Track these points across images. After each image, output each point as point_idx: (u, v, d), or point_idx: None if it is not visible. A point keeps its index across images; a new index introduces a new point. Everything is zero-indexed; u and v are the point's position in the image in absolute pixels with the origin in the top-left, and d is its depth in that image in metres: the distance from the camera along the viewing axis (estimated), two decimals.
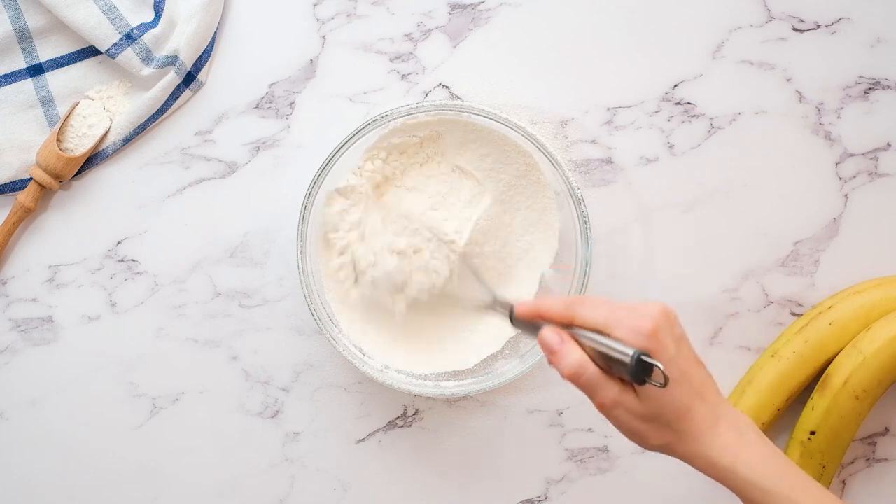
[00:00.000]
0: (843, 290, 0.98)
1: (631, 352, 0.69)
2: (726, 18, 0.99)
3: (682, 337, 0.73)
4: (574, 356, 0.72)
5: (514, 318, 0.78)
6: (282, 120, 1.00)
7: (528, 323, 0.77)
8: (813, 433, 0.94)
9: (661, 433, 0.72)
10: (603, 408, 0.72)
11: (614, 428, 1.00)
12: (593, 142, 1.00)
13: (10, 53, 0.99)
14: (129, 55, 0.97)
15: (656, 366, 0.69)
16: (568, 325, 0.74)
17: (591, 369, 0.72)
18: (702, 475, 1.00)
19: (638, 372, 0.69)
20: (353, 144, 0.94)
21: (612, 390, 0.72)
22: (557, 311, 0.75)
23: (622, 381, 0.72)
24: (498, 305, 0.82)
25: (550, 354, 0.73)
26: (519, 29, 1.00)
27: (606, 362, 0.71)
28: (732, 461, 0.72)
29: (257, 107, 1.00)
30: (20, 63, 0.99)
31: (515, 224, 0.98)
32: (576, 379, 0.72)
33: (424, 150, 0.97)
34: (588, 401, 1.00)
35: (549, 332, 0.74)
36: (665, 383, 0.69)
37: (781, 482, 0.71)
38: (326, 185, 0.95)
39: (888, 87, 0.99)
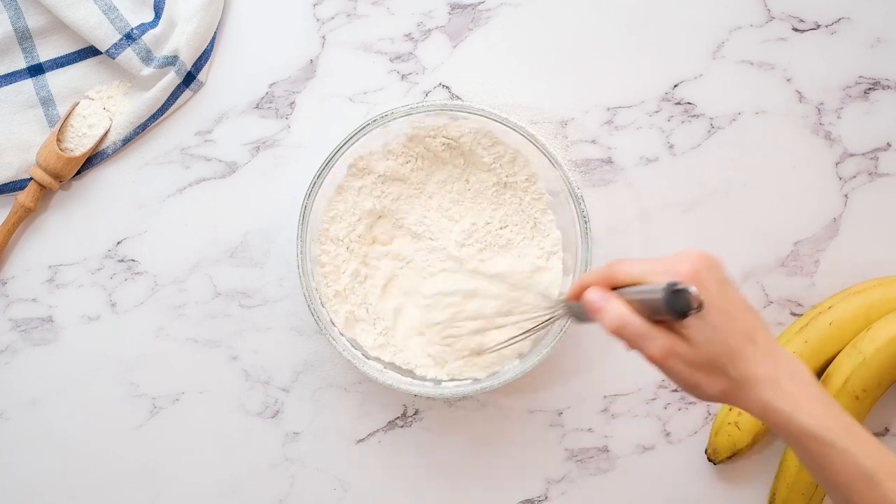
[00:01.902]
0: (843, 290, 0.98)
1: (663, 285, 0.67)
2: (726, 18, 0.99)
3: (726, 281, 0.71)
4: (616, 310, 0.71)
5: (570, 308, 0.77)
6: (282, 120, 1.00)
7: (582, 307, 0.75)
8: None
9: (716, 380, 0.71)
10: (654, 359, 0.70)
11: (616, 430, 1.00)
12: (593, 142, 1.00)
13: (10, 53, 0.99)
14: (129, 55, 0.97)
15: (688, 290, 0.67)
16: (612, 287, 0.73)
17: (635, 320, 0.70)
18: (701, 475, 1.01)
19: (674, 303, 0.67)
20: (353, 144, 0.94)
21: (660, 339, 0.70)
22: (598, 275, 0.74)
23: (669, 329, 0.70)
24: (556, 308, 0.82)
25: (595, 313, 0.72)
26: (519, 29, 1.00)
27: (650, 312, 0.69)
28: (791, 409, 0.70)
29: (257, 107, 1.00)
30: (20, 63, 0.99)
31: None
32: (620, 331, 0.71)
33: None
34: (588, 400, 1.00)
35: (591, 292, 0.73)
36: (700, 307, 0.67)
37: (840, 432, 0.69)
38: (326, 185, 0.95)
39: (888, 87, 0.99)
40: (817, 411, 0.70)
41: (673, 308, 0.67)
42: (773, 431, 0.72)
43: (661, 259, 0.71)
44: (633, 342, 0.71)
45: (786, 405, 0.70)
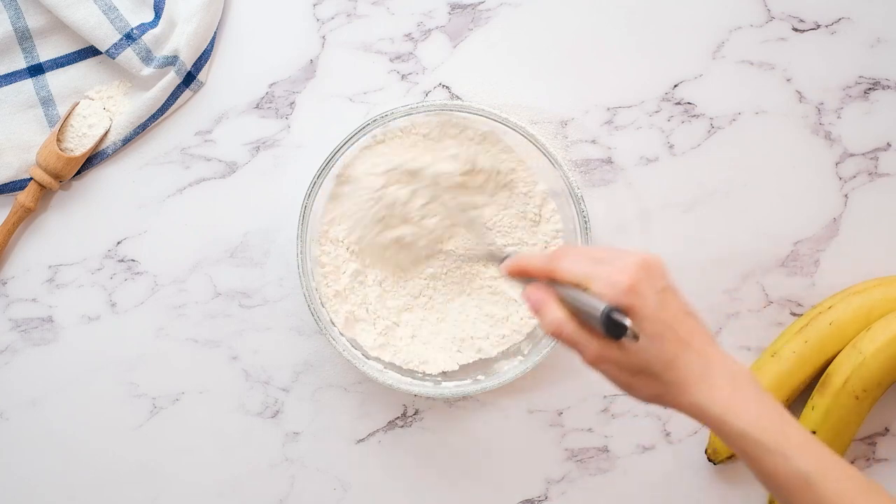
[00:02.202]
0: (843, 290, 0.98)
1: (601, 308, 0.69)
2: (726, 18, 0.99)
3: (665, 288, 0.71)
4: (553, 314, 0.72)
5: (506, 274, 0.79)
6: (282, 120, 1.00)
7: (522, 280, 0.77)
8: (813, 433, 0.94)
9: (649, 385, 0.72)
10: (587, 362, 0.72)
11: (616, 430, 1.01)
12: (593, 142, 1.00)
13: (10, 53, 0.99)
14: (129, 55, 0.97)
15: (624, 322, 0.68)
16: (552, 280, 0.74)
17: (570, 326, 0.72)
18: (701, 475, 1.01)
19: (611, 327, 0.69)
20: (353, 144, 0.94)
21: (593, 345, 0.71)
22: (540, 266, 0.75)
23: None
24: (493, 257, 0.83)
25: (534, 312, 0.74)
26: (519, 29, 1.00)
27: (585, 319, 0.71)
28: (724, 410, 0.70)
29: (257, 107, 1.00)
30: (20, 63, 0.99)
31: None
32: (557, 336, 0.72)
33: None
34: (588, 400, 1.00)
35: (531, 290, 0.74)
36: (637, 338, 0.69)
37: (774, 433, 0.70)
38: (326, 185, 0.95)
39: (888, 87, 0.99)
40: (752, 413, 0.70)
41: (608, 332, 0.69)
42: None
43: (605, 258, 0.72)
44: (569, 346, 0.73)
45: (718, 407, 0.70)
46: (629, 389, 0.73)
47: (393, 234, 0.96)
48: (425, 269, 0.98)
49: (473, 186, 0.97)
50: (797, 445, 0.70)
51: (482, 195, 0.97)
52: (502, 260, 0.80)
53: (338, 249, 0.97)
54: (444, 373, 0.97)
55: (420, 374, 0.97)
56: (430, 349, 0.97)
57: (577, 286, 0.72)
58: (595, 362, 0.72)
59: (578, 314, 0.71)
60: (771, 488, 0.71)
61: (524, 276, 0.76)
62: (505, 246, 0.97)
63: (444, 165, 0.95)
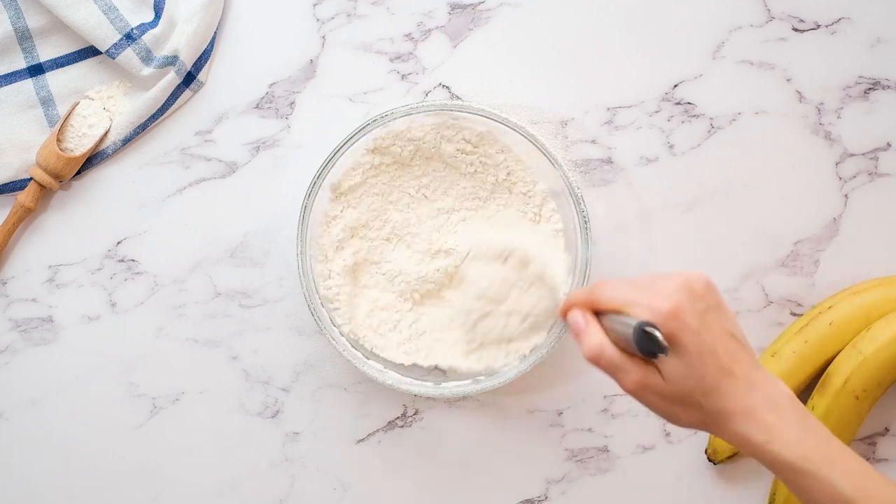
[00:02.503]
0: (843, 290, 0.98)
1: (634, 322, 0.68)
2: (726, 18, 0.99)
3: (709, 309, 0.70)
4: (595, 339, 0.71)
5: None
6: (282, 120, 1.00)
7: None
8: None
9: (690, 413, 0.71)
10: (627, 390, 0.71)
11: (616, 430, 1.00)
12: (593, 142, 1.00)
13: (10, 53, 0.99)
14: (129, 55, 0.97)
15: (655, 334, 0.67)
16: (594, 310, 0.73)
17: (610, 351, 0.71)
18: (701, 475, 1.01)
19: (643, 344, 0.67)
20: (353, 144, 0.94)
21: (634, 373, 0.70)
22: (582, 296, 0.75)
23: (646, 362, 0.71)
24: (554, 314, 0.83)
25: (576, 337, 0.73)
26: (519, 29, 1.00)
27: (625, 344, 0.70)
28: (767, 440, 0.69)
29: (257, 107, 1.00)
30: (20, 63, 0.99)
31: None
32: (596, 361, 0.71)
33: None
34: (588, 400, 1.00)
35: (573, 314, 0.74)
36: (666, 352, 0.68)
37: (817, 459, 0.68)
38: (326, 185, 0.95)
39: (888, 87, 0.99)
40: (794, 439, 0.69)
41: (641, 348, 0.68)
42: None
43: (646, 285, 0.71)
44: (608, 372, 0.72)
45: (762, 436, 0.69)
46: (670, 418, 0.72)
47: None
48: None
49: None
50: (840, 469, 0.69)
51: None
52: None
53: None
54: (443, 372, 0.97)
55: (422, 372, 0.96)
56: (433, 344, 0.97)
57: (619, 313, 0.71)
58: (636, 390, 0.71)
59: (619, 341, 0.71)
60: None
61: (571, 309, 0.76)
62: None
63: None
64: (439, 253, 0.98)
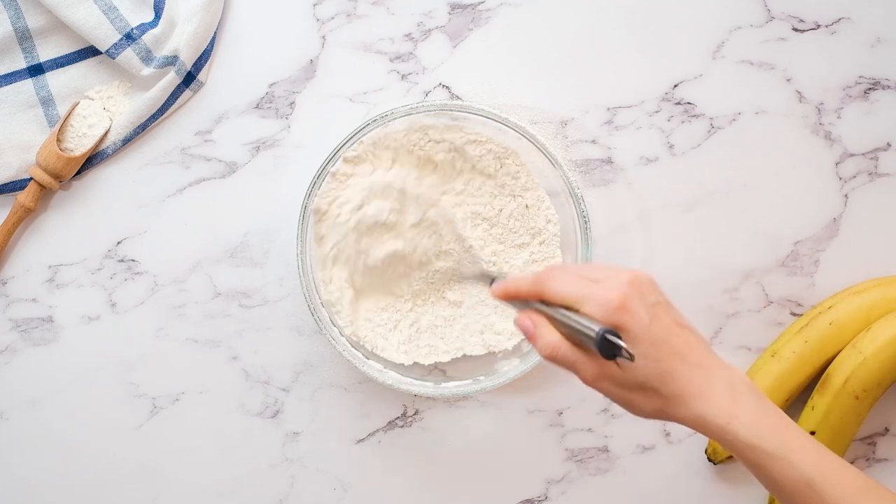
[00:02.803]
0: (843, 290, 0.98)
1: (596, 329, 0.68)
2: (726, 18, 0.99)
3: (657, 303, 0.72)
4: (547, 338, 0.72)
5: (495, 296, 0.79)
6: (282, 120, 1.00)
7: (511, 303, 0.77)
8: (813, 433, 0.94)
9: (649, 400, 0.72)
10: (586, 382, 0.72)
11: (616, 430, 1.00)
12: (593, 142, 1.00)
13: (10, 53, 0.99)
14: (129, 55, 0.97)
15: (619, 344, 0.68)
16: (541, 302, 0.74)
17: (565, 349, 0.72)
18: (701, 475, 1.01)
19: (606, 348, 0.68)
20: (352, 144, 0.94)
21: (590, 365, 0.71)
22: (528, 288, 0.75)
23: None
24: (483, 278, 0.83)
25: (527, 337, 0.74)
26: (519, 29, 1.00)
27: (579, 339, 0.71)
28: (726, 422, 0.70)
29: (257, 107, 1.00)
30: (20, 63, 0.99)
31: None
32: (553, 360, 0.72)
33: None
34: (588, 400, 1.00)
35: (521, 317, 0.75)
36: (632, 358, 0.69)
37: (775, 439, 0.70)
38: (326, 185, 0.95)
39: (888, 87, 0.99)
40: (752, 421, 0.70)
41: (603, 353, 0.69)
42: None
43: (594, 277, 0.72)
44: (565, 368, 0.73)
45: (719, 418, 0.70)
46: (629, 406, 0.73)
47: (384, 249, 0.96)
48: (413, 285, 0.98)
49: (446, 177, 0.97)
50: (798, 450, 0.70)
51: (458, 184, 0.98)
52: (491, 282, 0.80)
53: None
54: (443, 372, 0.97)
55: (421, 372, 0.96)
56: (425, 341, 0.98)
57: (568, 308, 0.72)
58: (593, 382, 0.72)
59: (572, 335, 0.71)
60: (776, 494, 0.72)
61: (513, 299, 0.77)
62: (492, 265, 0.97)
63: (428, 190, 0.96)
64: (440, 253, 0.98)
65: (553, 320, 0.73)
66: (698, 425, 0.72)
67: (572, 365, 0.72)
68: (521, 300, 0.76)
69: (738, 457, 0.72)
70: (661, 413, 0.72)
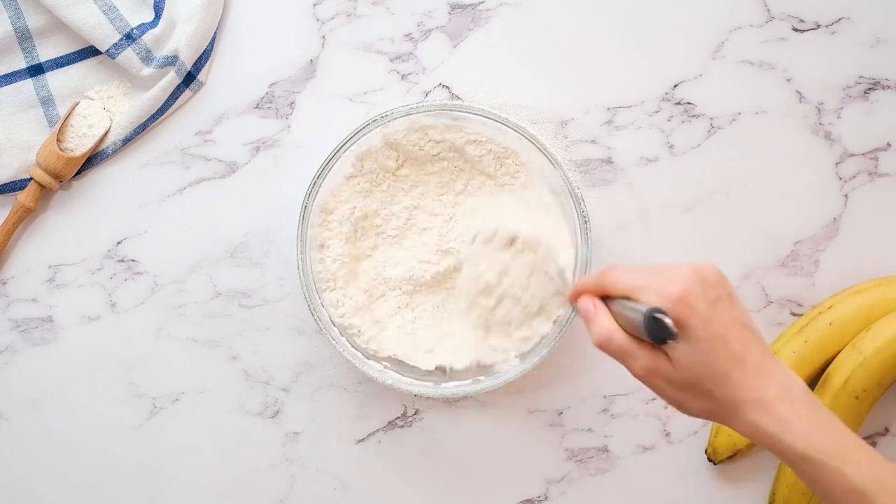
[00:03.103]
0: (843, 290, 0.98)
1: (644, 309, 0.67)
2: (726, 18, 0.99)
3: (719, 298, 0.69)
4: (604, 325, 0.71)
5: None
6: (282, 120, 1.00)
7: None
8: None
9: (700, 401, 0.70)
10: (636, 376, 0.71)
11: (616, 430, 1.00)
12: (593, 142, 1.00)
13: (10, 53, 0.99)
14: (129, 55, 0.97)
15: (664, 320, 0.66)
16: (603, 296, 0.73)
17: (619, 337, 0.70)
18: (701, 475, 1.01)
19: (654, 330, 0.67)
20: (353, 144, 0.94)
21: (643, 358, 0.70)
22: (591, 281, 0.74)
23: (655, 348, 0.70)
24: (559, 293, 0.83)
25: (586, 323, 0.73)
26: (519, 29, 1.00)
27: (634, 330, 0.69)
28: (781, 430, 0.68)
29: (257, 107, 1.00)
30: (20, 63, 0.99)
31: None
32: (605, 346, 0.71)
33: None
34: (588, 400, 1.00)
35: (583, 301, 0.73)
36: (675, 337, 0.67)
37: (829, 449, 0.68)
38: (326, 185, 0.95)
39: (888, 87, 0.99)
40: (807, 430, 0.69)
41: (651, 334, 0.67)
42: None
43: (656, 271, 0.70)
44: (617, 358, 0.71)
45: (774, 427, 0.69)
46: (679, 405, 0.71)
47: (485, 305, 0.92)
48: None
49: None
50: (852, 460, 0.68)
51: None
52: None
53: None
54: (443, 372, 0.97)
55: (423, 372, 0.96)
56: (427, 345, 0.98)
57: (628, 298, 0.70)
58: (645, 376, 0.70)
59: (627, 327, 0.70)
60: (828, 503, 0.70)
61: (579, 295, 0.75)
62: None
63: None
64: (442, 253, 0.98)
65: (613, 312, 0.72)
66: (751, 433, 0.70)
67: (624, 355, 0.70)
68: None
69: (791, 467, 0.70)
70: (711, 415, 0.71)
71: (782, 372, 0.70)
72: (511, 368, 0.95)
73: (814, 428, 0.69)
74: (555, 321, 0.91)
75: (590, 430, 1.01)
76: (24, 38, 0.99)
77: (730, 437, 0.97)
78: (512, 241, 0.86)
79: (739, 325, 0.70)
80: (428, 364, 0.96)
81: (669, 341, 0.68)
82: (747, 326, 0.70)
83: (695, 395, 0.70)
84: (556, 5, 1.00)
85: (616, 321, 0.72)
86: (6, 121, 1.00)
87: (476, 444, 1.01)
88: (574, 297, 0.76)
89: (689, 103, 1.00)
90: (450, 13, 1.00)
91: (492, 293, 0.88)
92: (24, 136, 1.00)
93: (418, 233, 0.98)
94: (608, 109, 1.00)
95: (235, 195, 1.00)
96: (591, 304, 0.73)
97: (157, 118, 0.99)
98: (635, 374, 0.71)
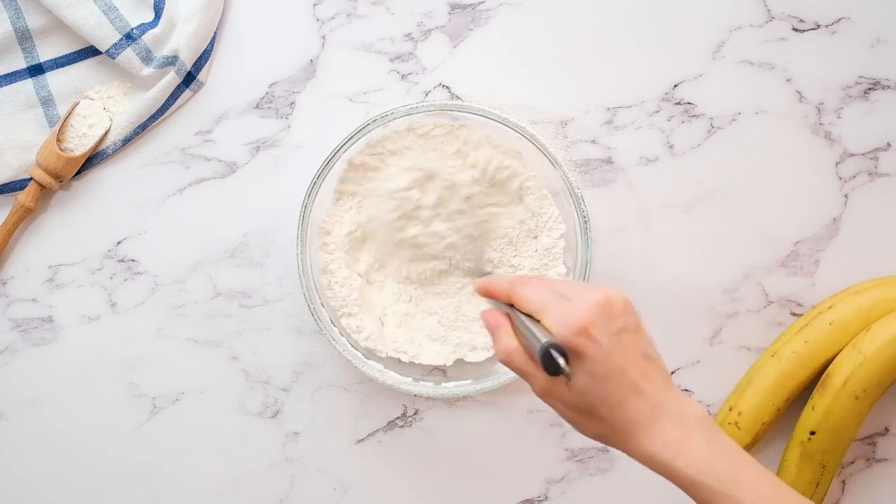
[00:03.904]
0: (843, 290, 0.98)
1: (542, 341, 0.68)
2: (726, 18, 0.99)
3: (623, 329, 0.70)
4: (505, 342, 0.72)
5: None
6: (282, 120, 1.00)
7: (489, 300, 0.78)
8: (813, 433, 0.94)
9: (594, 425, 0.71)
10: (536, 394, 0.72)
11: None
12: (593, 142, 1.00)
13: (10, 53, 0.99)
14: (129, 55, 0.97)
15: (557, 359, 0.67)
16: (511, 305, 0.74)
17: (518, 358, 0.71)
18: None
19: (547, 364, 0.67)
20: (353, 144, 0.94)
21: (540, 379, 0.71)
22: (501, 287, 0.75)
23: None
24: (477, 273, 0.83)
25: (489, 334, 0.74)
26: (519, 29, 1.00)
27: (534, 353, 0.70)
28: (672, 457, 0.69)
29: (257, 107, 1.00)
30: (20, 63, 0.99)
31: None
32: (505, 363, 0.72)
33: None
34: None
35: (488, 314, 0.75)
36: (568, 376, 0.68)
37: (725, 479, 0.68)
38: (326, 185, 0.95)
39: (888, 87, 0.99)
40: (700, 457, 0.69)
41: (544, 366, 0.68)
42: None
43: (566, 294, 0.70)
44: (517, 373, 0.72)
45: (665, 454, 0.69)
46: (576, 426, 0.72)
47: (408, 233, 0.96)
48: (427, 271, 0.98)
49: (489, 194, 0.97)
50: (749, 487, 0.68)
51: (497, 204, 0.97)
52: (480, 276, 0.80)
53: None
54: (443, 372, 0.97)
55: (421, 372, 0.97)
56: (419, 342, 0.98)
57: (531, 317, 0.71)
58: (542, 395, 0.72)
59: (529, 348, 0.71)
60: None
61: (489, 296, 0.77)
62: (489, 262, 0.97)
63: (461, 175, 0.95)
64: (442, 257, 0.98)
65: (515, 327, 0.72)
66: (642, 458, 0.71)
67: (524, 374, 0.72)
68: (494, 300, 0.76)
69: (687, 493, 0.70)
70: (604, 439, 0.72)
71: (682, 401, 0.71)
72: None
73: (708, 454, 0.69)
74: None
75: None
76: (24, 38, 0.99)
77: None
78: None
79: (641, 356, 0.70)
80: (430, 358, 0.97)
81: (562, 375, 0.68)
82: (649, 357, 0.71)
83: (590, 419, 0.71)
84: (556, 5, 1.00)
85: (517, 337, 0.73)
86: (6, 121, 1.00)
87: (476, 444, 1.01)
88: (482, 293, 0.77)
89: (689, 103, 1.00)
90: (450, 13, 1.00)
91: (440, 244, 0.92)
92: (24, 136, 1.00)
93: (420, 237, 0.99)
94: (608, 109, 1.00)
95: (235, 195, 1.00)
96: (492, 319, 0.74)
97: (157, 118, 0.99)
98: (535, 392, 0.72)
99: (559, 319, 0.69)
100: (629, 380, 0.69)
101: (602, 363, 0.69)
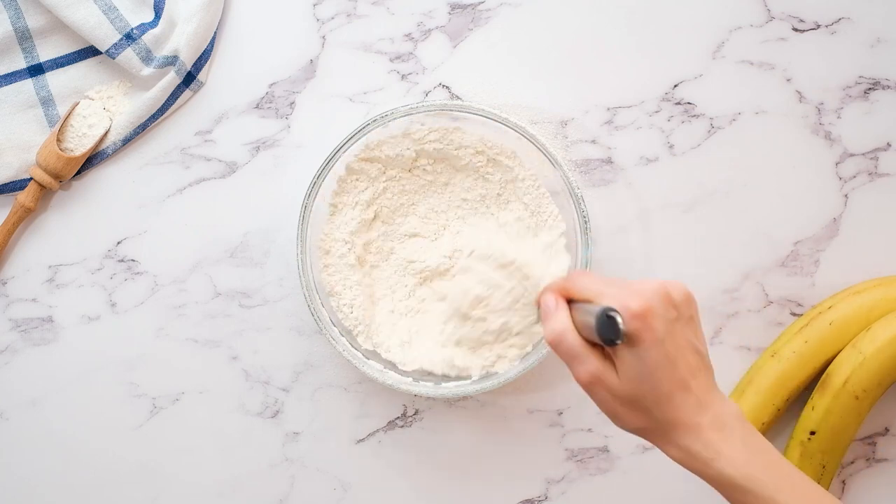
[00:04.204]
0: (843, 290, 0.98)
1: (600, 307, 0.67)
2: (726, 18, 0.99)
3: (678, 319, 0.69)
4: (559, 323, 0.70)
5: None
6: (282, 120, 1.00)
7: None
8: (813, 433, 0.94)
9: (637, 417, 0.70)
10: (579, 381, 0.70)
11: (616, 430, 1.00)
12: (593, 142, 1.00)
13: (10, 53, 0.99)
14: (129, 55, 0.97)
15: (617, 319, 0.66)
16: (568, 298, 0.73)
17: (571, 337, 0.70)
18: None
19: (604, 328, 0.66)
20: (352, 144, 0.94)
21: (590, 363, 0.69)
22: (558, 283, 0.74)
23: (604, 357, 0.70)
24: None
25: (543, 319, 0.72)
26: (519, 29, 1.00)
27: (588, 333, 0.69)
28: (712, 457, 0.69)
29: (257, 107, 1.00)
30: (20, 63, 0.99)
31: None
32: (555, 346, 0.70)
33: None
34: (588, 400, 1.00)
35: (546, 297, 0.73)
36: (622, 339, 0.67)
37: (764, 480, 0.68)
38: (326, 185, 0.95)
39: (888, 87, 0.99)
40: (739, 458, 0.69)
41: (600, 331, 0.67)
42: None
43: (624, 284, 0.70)
44: (565, 359, 0.71)
45: (705, 453, 0.69)
46: (616, 418, 0.71)
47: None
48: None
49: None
50: (786, 489, 0.68)
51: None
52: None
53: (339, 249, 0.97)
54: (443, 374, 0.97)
55: (423, 373, 0.96)
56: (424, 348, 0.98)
57: (590, 303, 0.70)
58: (588, 381, 0.70)
59: (583, 330, 0.70)
60: None
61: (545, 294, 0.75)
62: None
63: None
64: (442, 257, 0.98)
65: (573, 315, 0.71)
66: (681, 457, 0.70)
67: (573, 357, 0.70)
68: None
69: (723, 494, 0.70)
70: (644, 433, 0.71)
71: (722, 401, 0.71)
72: (511, 368, 0.95)
73: (746, 456, 0.69)
74: (523, 351, 0.92)
75: (590, 430, 1.01)
76: (24, 38, 0.99)
77: None
78: (507, 265, 0.86)
79: (692, 350, 0.70)
80: (408, 363, 0.95)
81: (618, 347, 0.68)
82: (700, 353, 0.70)
83: (633, 410, 0.70)
84: (556, 5, 1.00)
85: (574, 324, 0.71)
86: (6, 121, 1.00)
87: (476, 444, 1.01)
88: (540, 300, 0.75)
89: (689, 103, 1.00)
90: (450, 13, 1.00)
91: (474, 310, 0.86)
92: (24, 136, 1.00)
93: (421, 237, 0.99)
94: (608, 109, 1.00)
95: (235, 195, 1.00)
96: (551, 301, 0.72)
97: (157, 118, 0.99)
98: (579, 380, 0.70)
99: (618, 303, 0.68)
100: (678, 374, 0.69)
101: (655, 352, 0.68)
